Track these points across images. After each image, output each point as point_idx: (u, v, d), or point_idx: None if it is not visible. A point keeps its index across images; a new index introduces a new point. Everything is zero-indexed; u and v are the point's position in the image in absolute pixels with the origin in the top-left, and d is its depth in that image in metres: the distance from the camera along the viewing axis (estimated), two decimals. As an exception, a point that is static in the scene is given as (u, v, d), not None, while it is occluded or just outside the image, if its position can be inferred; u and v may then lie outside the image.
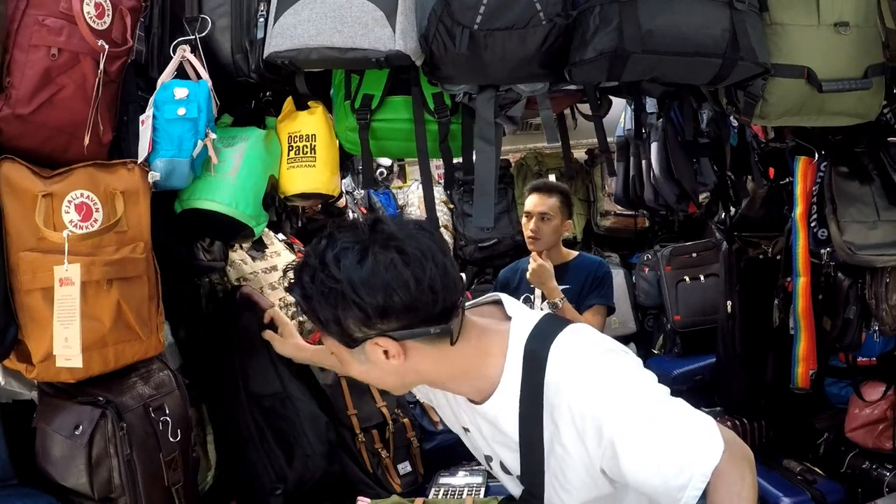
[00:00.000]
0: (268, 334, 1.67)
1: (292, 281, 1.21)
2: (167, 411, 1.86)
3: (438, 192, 5.24)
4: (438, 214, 5.14)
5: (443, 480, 2.71)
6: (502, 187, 5.07)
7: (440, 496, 2.51)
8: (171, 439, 1.85)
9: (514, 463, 1.32)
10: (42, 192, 1.57)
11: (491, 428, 1.32)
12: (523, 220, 3.03)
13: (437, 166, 6.25)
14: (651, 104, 2.96)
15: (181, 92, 1.76)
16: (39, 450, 1.75)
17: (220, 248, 2.33)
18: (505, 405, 1.25)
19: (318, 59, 1.81)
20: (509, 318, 1.32)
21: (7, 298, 1.56)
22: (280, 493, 2.17)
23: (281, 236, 3.14)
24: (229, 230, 2.07)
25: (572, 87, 2.08)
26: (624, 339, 4.27)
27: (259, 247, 2.81)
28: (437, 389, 1.45)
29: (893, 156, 2.35)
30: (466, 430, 1.44)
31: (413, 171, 5.49)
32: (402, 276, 1.12)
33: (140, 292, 1.74)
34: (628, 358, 1.27)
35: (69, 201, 1.60)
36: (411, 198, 5.22)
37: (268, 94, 2.29)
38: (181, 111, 1.75)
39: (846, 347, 2.62)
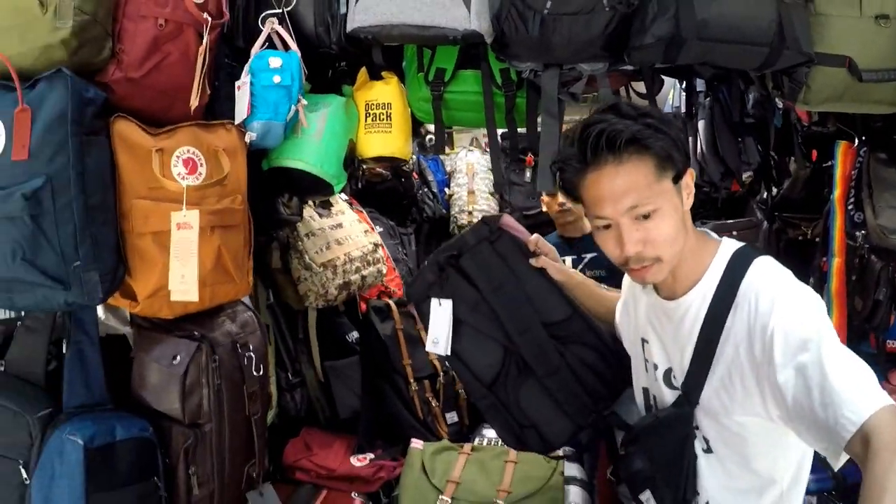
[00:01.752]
0: (542, 261, 1.64)
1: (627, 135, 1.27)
2: (251, 348, 2.09)
3: (486, 160, 5.40)
4: (487, 182, 5.32)
5: (486, 432, 2.85)
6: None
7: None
8: (255, 373, 2.08)
9: (681, 367, 1.37)
10: (155, 147, 1.76)
11: (673, 328, 1.40)
12: (545, 198, 3.05)
13: (483, 135, 6.43)
14: (699, 84, 3.03)
15: (276, 62, 1.94)
16: (136, 377, 1.97)
17: (296, 205, 2.54)
18: (697, 302, 1.34)
19: (398, 35, 1.97)
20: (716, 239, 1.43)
21: (118, 242, 1.76)
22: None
23: (343, 196, 3.34)
24: (310, 188, 2.27)
25: (629, 67, 2.21)
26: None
27: (326, 205, 3.01)
28: (624, 304, 1.65)
29: None
30: (645, 341, 1.51)
31: (460, 139, 5.62)
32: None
33: (237, 239, 1.94)
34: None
35: (177, 156, 1.80)
36: (459, 164, 5.35)
37: (343, 63, 2.44)
38: (276, 79, 1.93)
39: (875, 328, 2.68)
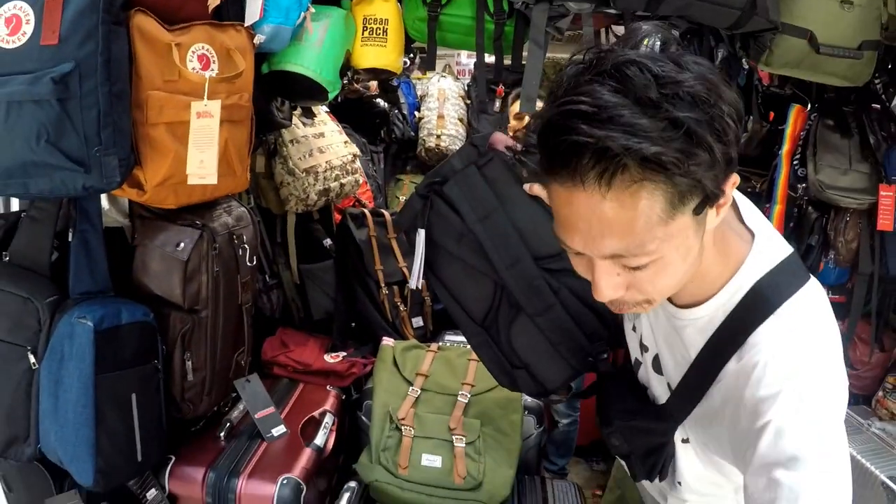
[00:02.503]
0: (535, 188, 1.42)
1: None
2: (245, 240, 2.21)
3: (457, 87, 5.52)
4: (457, 108, 5.44)
5: (449, 337, 3.09)
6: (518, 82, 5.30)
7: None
8: (248, 264, 2.21)
9: (673, 373, 1.19)
10: (173, 41, 1.83)
11: (673, 333, 1.17)
12: (513, 122, 3.23)
13: (456, 63, 6.51)
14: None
15: (290, -31, 2.03)
16: (138, 264, 2.05)
17: (288, 109, 2.64)
18: (702, 322, 1.09)
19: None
20: (746, 226, 1.10)
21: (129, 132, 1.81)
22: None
23: (324, 108, 3.44)
24: (304, 93, 2.38)
25: (612, 10, 2.36)
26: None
27: (309, 114, 3.10)
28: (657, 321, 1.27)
29: (874, 119, 2.76)
30: (637, 315, 1.31)
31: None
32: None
33: (241, 135, 2.05)
34: (838, 354, 1.02)
35: (193, 52, 1.88)
36: (431, 89, 5.45)
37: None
38: (290, -16, 2.02)
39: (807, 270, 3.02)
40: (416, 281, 1.61)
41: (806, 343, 1.00)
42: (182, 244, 2.01)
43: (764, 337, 1.01)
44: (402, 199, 5.38)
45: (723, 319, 1.06)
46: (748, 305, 1.03)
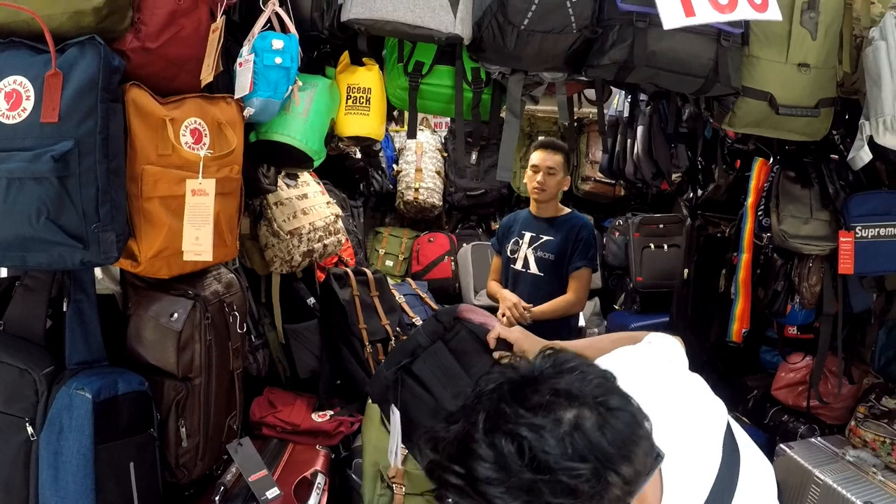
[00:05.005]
0: (502, 354, 1.54)
1: None
2: (235, 307, 2.26)
3: (434, 140, 5.64)
4: (435, 161, 5.56)
5: (433, 391, 3.16)
6: (494, 143, 5.38)
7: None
8: (238, 330, 2.26)
9: None
10: (167, 116, 1.87)
11: None
12: (528, 173, 3.34)
13: (433, 117, 6.65)
14: (642, 95, 3.41)
15: (278, 43, 2.09)
16: (132, 333, 2.09)
17: (274, 175, 2.71)
18: None
19: (390, 29, 2.18)
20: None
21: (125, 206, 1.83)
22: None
23: (307, 169, 3.52)
24: (289, 160, 2.44)
25: (584, 78, 2.49)
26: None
27: (293, 176, 3.18)
28: None
29: (832, 170, 2.92)
30: None
31: (410, 119, 5.82)
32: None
33: (232, 206, 2.11)
34: None
35: (186, 126, 1.93)
36: (409, 143, 5.57)
37: (327, 46, 2.60)
38: (278, 60, 2.08)
39: (774, 314, 3.18)
40: (394, 458, 1.63)
41: None
42: (176, 314, 2.05)
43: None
44: (382, 251, 5.45)
45: None
46: None
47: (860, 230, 2.83)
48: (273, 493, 2.26)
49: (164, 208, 1.88)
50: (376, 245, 5.55)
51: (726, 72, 2.24)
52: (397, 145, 5.75)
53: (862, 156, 2.42)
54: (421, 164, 5.47)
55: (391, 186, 5.56)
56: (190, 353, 2.07)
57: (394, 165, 5.62)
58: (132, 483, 1.91)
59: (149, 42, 1.84)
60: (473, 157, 5.43)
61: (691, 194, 4.06)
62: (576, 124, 5.50)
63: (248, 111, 2.13)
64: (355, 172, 5.01)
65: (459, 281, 5.21)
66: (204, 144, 1.98)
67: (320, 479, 2.39)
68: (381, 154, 5.50)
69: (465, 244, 5.33)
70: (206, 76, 1.97)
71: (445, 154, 5.67)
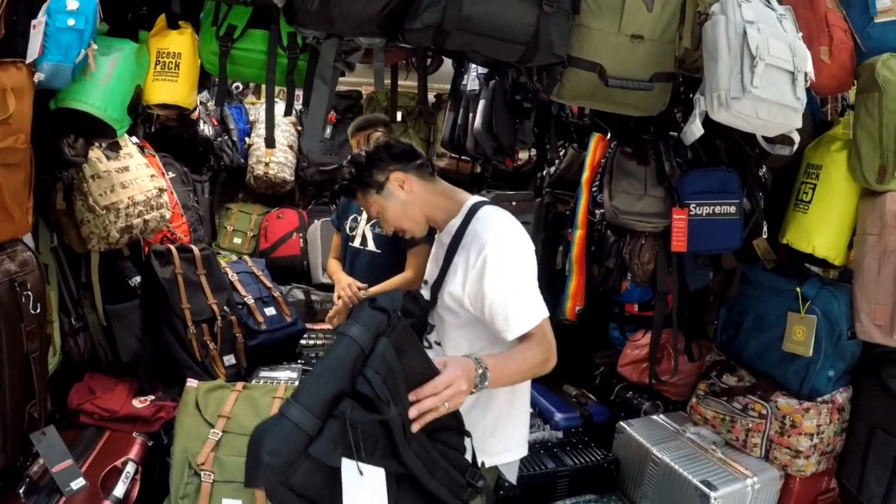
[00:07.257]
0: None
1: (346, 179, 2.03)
2: (29, 287, 2.10)
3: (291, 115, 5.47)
4: (287, 135, 5.40)
5: (263, 374, 3.07)
6: (350, 116, 5.29)
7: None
8: (32, 312, 2.10)
9: (431, 275, 2.03)
10: None
11: (440, 249, 2.02)
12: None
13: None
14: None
15: (73, 4, 1.95)
16: None
17: (82, 146, 2.52)
18: (451, 230, 1.95)
19: (200, -12, 2.05)
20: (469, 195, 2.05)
21: None
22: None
23: (134, 139, 3.32)
24: (94, 130, 2.27)
25: (405, 45, 2.41)
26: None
27: (114, 147, 2.99)
28: (435, 249, 2.11)
29: (670, 147, 2.88)
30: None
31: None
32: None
33: (18, 178, 1.95)
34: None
35: None
36: (261, 115, 5.38)
37: (143, 8, 2.45)
38: (70, 21, 1.94)
39: (608, 290, 3.14)
40: None
41: (503, 216, 1.91)
42: (-45, 295, 1.89)
43: (480, 216, 1.91)
44: (231, 228, 5.27)
45: (462, 219, 1.94)
46: (472, 209, 1.95)
47: (694, 208, 2.80)
48: (78, 483, 2.14)
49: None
50: (224, 222, 5.36)
51: (548, 38, 2.19)
52: (251, 118, 5.55)
53: (693, 130, 2.42)
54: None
55: (242, 160, 5.37)
56: (-25, 335, 1.91)
57: (245, 138, 5.43)
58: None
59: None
60: (328, 131, 5.32)
61: (542, 172, 4.06)
62: (434, 98, 5.48)
63: (39, 76, 1.97)
64: (199, 145, 4.80)
65: (308, 258, 5.10)
66: (-18, 111, 1.82)
67: (131, 467, 2.27)
68: (232, 126, 5.31)
69: (315, 220, 5.22)
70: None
71: (300, 128, 5.52)
